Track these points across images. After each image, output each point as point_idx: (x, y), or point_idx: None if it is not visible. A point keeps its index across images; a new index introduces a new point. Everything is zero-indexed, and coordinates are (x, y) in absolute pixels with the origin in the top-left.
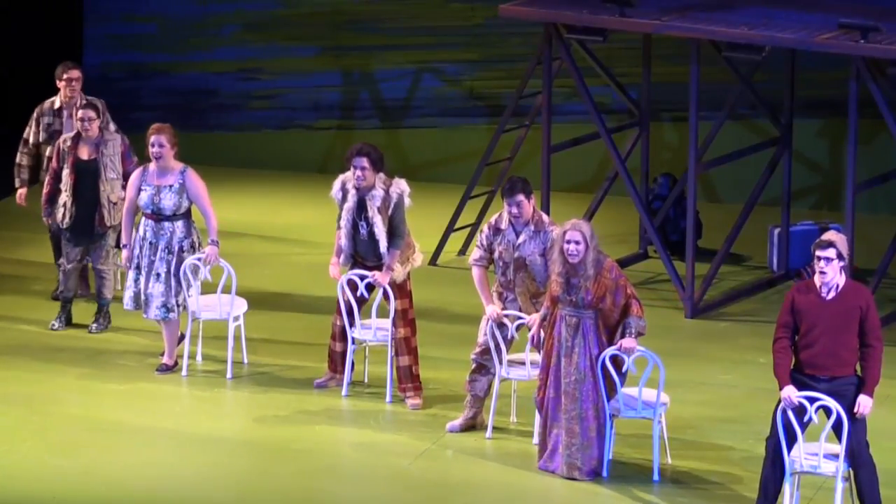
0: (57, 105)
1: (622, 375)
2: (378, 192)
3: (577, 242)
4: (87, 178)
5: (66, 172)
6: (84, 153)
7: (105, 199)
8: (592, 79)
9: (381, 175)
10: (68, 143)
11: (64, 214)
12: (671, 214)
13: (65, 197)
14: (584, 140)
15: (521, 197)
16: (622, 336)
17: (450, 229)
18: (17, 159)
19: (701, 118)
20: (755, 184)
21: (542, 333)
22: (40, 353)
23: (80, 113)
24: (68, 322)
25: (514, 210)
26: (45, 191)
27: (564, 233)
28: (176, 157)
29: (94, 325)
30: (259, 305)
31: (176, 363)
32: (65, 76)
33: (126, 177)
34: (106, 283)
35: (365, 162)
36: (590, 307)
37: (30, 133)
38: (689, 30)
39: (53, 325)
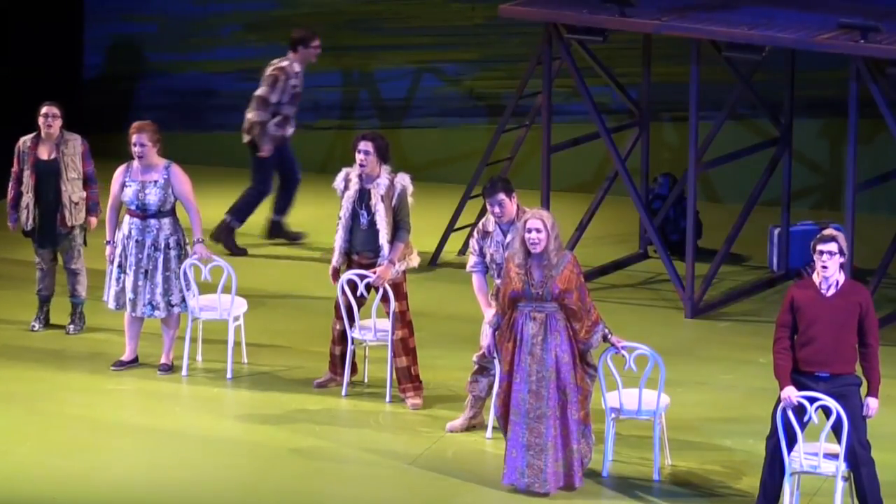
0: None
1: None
2: (383, 181)
3: (538, 230)
4: (49, 178)
5: (26, 174)
6: (44, 153)
7: (67, 198)
8: (592, 79)
9: (387, 167)
10: (28, 144)
11: (27, 217)
12: (671, 214)
13: (27, 199)
14: (584, 140)
15: (501, 195)
16: (604, 341)
17: (450, 229)
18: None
19: (701, 118)
20: (755, 184)
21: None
22: (40, 353)
23: (44, 109)
24: (46, 322)
25: (497, 210)
26: (9, 196)
27: (525, 222)
28: (159, 154)
29: (71, 326)
30: (259, 305)
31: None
32: (42, 111)
33: (85, 177)
34: (80, 282)
35: (369, 146)
36: (555, 300)
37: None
38: (689, 30)
39: (33, 325)
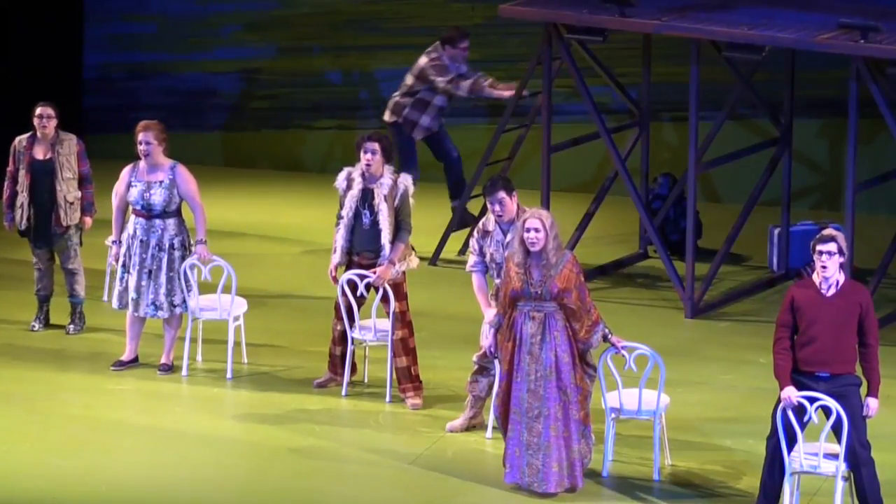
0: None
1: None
2: (386, 181)
3: (536, 230)
4: (44, 177)
5: (21, 173)
6: (40, 153)
7: (62, 198)
8: (592, 79)
9: (390, 167)
10: (23, 144)
11: (22, 216)
12: (671, 214)
13: (21, 198)
14: (584, 140)
15: (502, 194)
16: (604, 340)
17: (450, 229)
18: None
19: (701, 118)
20: (755, 184)
21: (496, 342)
22: (40, 354)
23: (38, 110)
24: (46, 322)
25: (497, 208)
26: (4, 196)
27: (524, 221)
28: (165, 154)
29: (71, 326)
30: (259, 305)
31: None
32: (37, 112)
33: (81, 177)
34: (78, 282)
35: (376, 146)
36: (554, 300)
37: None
38: (689, 30)
39: (33, 325)
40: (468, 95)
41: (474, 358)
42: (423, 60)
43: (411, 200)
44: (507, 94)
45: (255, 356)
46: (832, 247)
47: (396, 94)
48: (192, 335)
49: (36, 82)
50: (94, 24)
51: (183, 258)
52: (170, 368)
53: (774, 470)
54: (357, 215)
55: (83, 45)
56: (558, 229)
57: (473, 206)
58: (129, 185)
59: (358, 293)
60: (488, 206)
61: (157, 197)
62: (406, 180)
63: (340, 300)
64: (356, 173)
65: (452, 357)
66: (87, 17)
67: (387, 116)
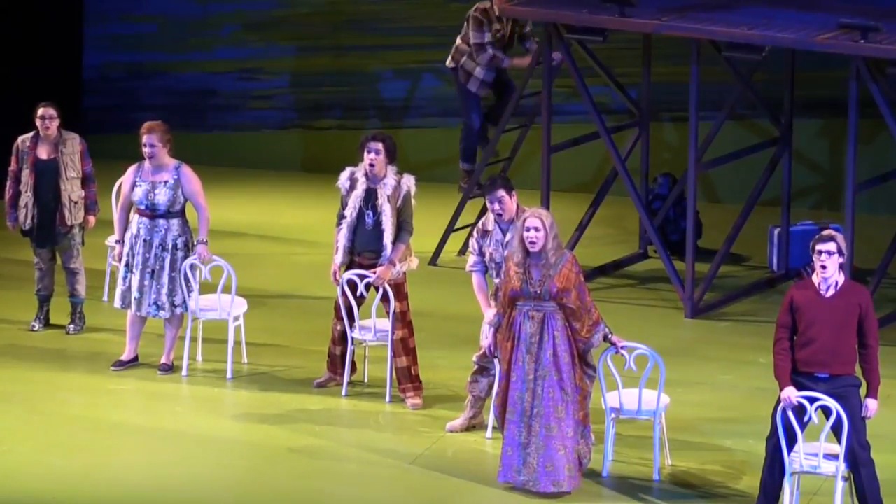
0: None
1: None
2: (390, 182)
3: (536, 229)
4: (48, 177)
5: (25, 173)
6: (43, 153)
7: (66, 198)
8: (592, 79)
9: (393, 167)
10: (27, 143)
11: (26, 216)
12: (671, 214)
13: (26, 198)
14: (584, 140)
15: (501, 192)
16: (604, 340)
17: (450, 229)
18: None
19: (701, 118)
20: (755, 184)
21: (496, 341)
22: (40, 354)
23: (40, 111)
24: (46, 322)
25: (497, 206)
26: (7, 195)
27: (524, 221)
28: (170, 154)
29: (71, 326)
30: (259, 305)
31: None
32: (39, 112)
33: (84, 176)
34: (79, 281)
35: (380, 146)
36: (554, 299)
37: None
38: (689, 30)
39: (33, 325)
40: (486, 66)
41: (474, 358)
42: (473, 9)
43: (413, 201)
44: (523, 62)
45: (255, 356)
46: (831, 246)
47: (458, 38)
48: (192, 335)
49: (36, 82)
50: (94, 24)
51: (185, 259)
52: (170, 368)
53: (774, 470)
54: (360, 215)
55: (83, 45)
56: (558, 229)
57: (473, 207)
58: (133, 185)
59: (358, 293)
60: (488, 205)
61: (162, 197)
62: (409, 181)
63: (340, 300)
64: (359, 173)
65: (452, 357)
66: (87, 17)
67: (448, 62)
